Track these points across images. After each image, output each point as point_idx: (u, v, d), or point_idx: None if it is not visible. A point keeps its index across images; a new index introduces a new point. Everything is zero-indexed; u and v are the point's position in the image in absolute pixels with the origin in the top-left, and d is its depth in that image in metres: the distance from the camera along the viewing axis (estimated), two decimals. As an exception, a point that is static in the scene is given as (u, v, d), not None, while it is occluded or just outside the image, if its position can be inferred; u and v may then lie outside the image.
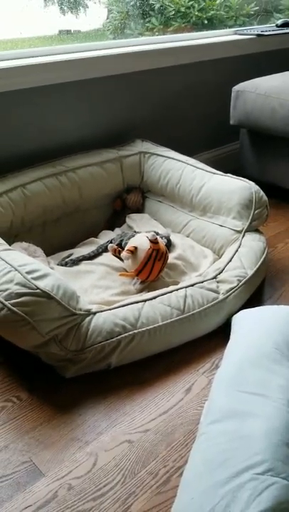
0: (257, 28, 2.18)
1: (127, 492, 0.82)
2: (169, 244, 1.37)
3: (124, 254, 1.23)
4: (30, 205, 1.36)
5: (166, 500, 0.80)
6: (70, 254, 1.37)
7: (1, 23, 1.76)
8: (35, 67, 1.42)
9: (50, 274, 1.03)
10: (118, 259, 1.33)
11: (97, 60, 1.56)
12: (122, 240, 1.32)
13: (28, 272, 1.00)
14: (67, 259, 1.33)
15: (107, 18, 2.62)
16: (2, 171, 1.41)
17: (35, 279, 0.99)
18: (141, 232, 1.38)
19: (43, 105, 1.49)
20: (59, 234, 1.47)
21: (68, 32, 2.21)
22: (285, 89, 1.65)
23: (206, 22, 2.72)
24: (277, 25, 2.22)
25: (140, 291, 1.22)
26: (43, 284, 0.98)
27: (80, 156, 1.51)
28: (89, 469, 0.86)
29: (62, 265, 1.32)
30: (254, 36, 2.03)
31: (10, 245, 1.22)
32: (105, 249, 1.37)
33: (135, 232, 1.40)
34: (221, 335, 1.15)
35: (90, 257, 1.35)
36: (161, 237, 1.31)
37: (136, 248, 1.21)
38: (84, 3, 2.07)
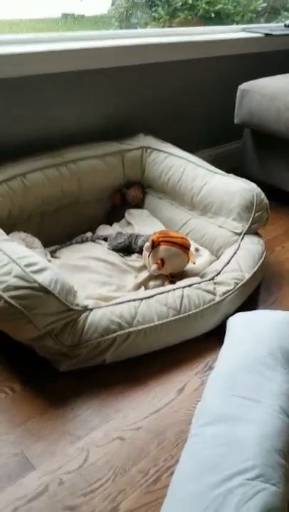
0: (265, 27, 2.17)
1: (117, 489, 0.83)
2: None
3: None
4: (29, 195, 1.35)
5: (155, 499, 0.81)
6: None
7: (3, 3, 1.73)
8: (38, 54, 1.39)
9: (48, 267, 1.02)
10: (114, 254, 1.33)
11: (102, 51, 1.54)
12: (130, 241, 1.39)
13: (27, 265, 0.99)
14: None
15: (113, 5, 2.59)
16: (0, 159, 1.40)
17: (33, 272, 0.99)
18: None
19: (44, 93, 1.47)
20: (57, 225, 1.46)
21: (71, 16, 2.17)
22: (291, 92, 1.65)
23: (212, 15, 2.69)
24: (285, 25, 2.20)
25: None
26: (42, 278, 0.98)
27: (81, 148, 1.50)
28: (80, 464, 0.87)
29: (51, 254, 1.34)
30: (262, 35, 2.02)
31: (7, 235, 1.21)
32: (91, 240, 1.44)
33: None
34: (215, 336, 1.16)
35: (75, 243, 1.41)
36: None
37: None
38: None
